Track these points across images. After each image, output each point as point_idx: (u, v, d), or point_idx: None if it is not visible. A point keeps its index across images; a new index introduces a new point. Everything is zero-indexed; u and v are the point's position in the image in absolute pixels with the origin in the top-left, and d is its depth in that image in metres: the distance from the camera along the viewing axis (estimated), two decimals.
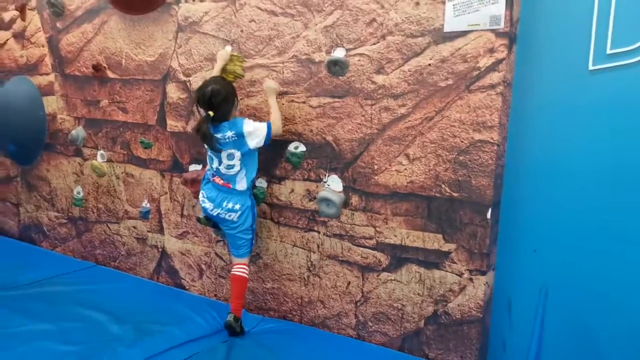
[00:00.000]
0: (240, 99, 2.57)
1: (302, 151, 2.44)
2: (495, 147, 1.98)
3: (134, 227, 3.13)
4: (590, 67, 1.87)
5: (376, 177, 2.26)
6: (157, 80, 2.88)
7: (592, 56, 1.87)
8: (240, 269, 2.43)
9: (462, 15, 1.95)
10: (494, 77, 1.94)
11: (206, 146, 2.33)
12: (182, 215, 2.91)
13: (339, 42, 2.28)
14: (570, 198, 1.98)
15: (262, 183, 2.58)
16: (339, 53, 2.28)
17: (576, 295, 1.98)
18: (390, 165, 2.23)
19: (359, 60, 2.24)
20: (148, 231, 3.07)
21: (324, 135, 2.38)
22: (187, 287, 2.94)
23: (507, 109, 2.04)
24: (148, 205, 3.05)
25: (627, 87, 1.81)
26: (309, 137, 2.42)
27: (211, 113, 2.21)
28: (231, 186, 2.35)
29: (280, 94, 2.47)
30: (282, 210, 2.54)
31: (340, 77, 2.29)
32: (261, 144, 2.29)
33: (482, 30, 1.93)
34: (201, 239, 2.85)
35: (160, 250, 3.04)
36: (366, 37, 2.21)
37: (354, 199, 2.33)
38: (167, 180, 2.94)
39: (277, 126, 2.32)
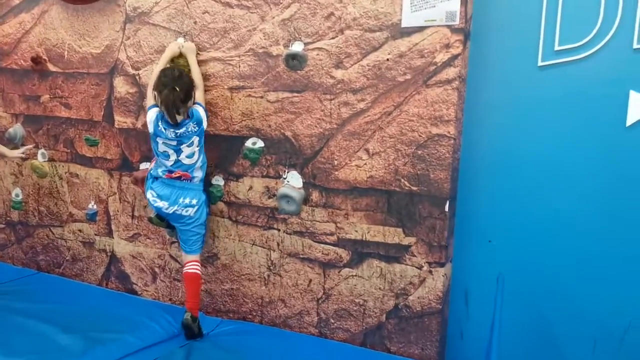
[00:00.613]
0: None
1: (260, 147, 2.42)
2: (452, 141, 2.04)
3: (80, 231, 2.98)
4: (540, 63, 1.98)
5: (336, 173, 2.28)
6: (104, 74, 2.76)
7: (541, 52, 1.97)
8: (194, 265, 2.41)
9: (419, 11, 2.00)
10: (450, 72, 2.00)
11: (160, 138, 2.26)
12: (132, 217, 2.81)
13: (297, 35, 2.28)
14: (522, 190, 2.08)
15: (219, 181, 2.53)
16: (297, 47, 2.28)
17: (531, 284, 2.09)
18: (350, 161, 2.25)
19: (317, 54, 2.25)
20: (95, 234, 2.94)
21: (282, 131, 2.37)
22: (140, 292, 2.83)
23: (462, 104, 2.11)
24: (95, 206, 2.91)
25: (575, 82, 1.92)
26: (267, 132, 2.40)
27: (178, 88, 2.18)
28: (190, 175, 2.32)
29: (237, 89, 2.43)
30: (241, 208, 2.51)
31: (299, 72, 2.29)
32: (206, 121, 2.32)
33: (438, 25, 1.99)
34: (154, 241, 2.76)
35: (109, 254, 2.91)
36: (324, 31, 2.22)
37: (314, 195, 2.34)
38: (116, 180, 2.83)
39: (201, 85, 2.37)
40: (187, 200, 2.32)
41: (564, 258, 2.02)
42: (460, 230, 2.21)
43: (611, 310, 1.96)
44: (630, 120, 1.83)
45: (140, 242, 2.80)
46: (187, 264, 2.42)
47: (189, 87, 2.25)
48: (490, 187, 2.15)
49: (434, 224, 2.12)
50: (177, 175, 2.32)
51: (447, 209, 2.08)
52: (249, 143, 2.44)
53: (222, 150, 2.51)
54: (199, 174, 2.36)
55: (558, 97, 1.95)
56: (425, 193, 2.11)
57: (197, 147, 2.31)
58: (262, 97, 2.39)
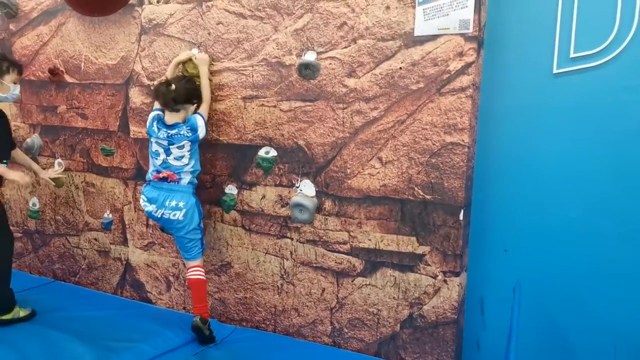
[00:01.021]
0: None
1: (273, 156, 2.45)
2: (466, 149, 2.04)
3: (95, 240, 3.03)
4: (555, 71, 1.98)
5: (349, 181, 2.29)
6: (119, 85, 2.82)
7: (556, 60, 1.97)
8: (195, 271, 2.44)
9: (432, 20, 2.02)
10: (464, 80, 2.01)
11: (153, 137, 2.36)
12: (147, 226, 2.85)
13: (309, 45, 2.31)
14: (537, 198, 2.07)
15: (232, 190, 2.56)
16: (309, 56, 2.31)
17: (548, 292, 2.07)
18: (363, 169, 2.26)
19: (330, 63, 2.27)
20: (111, 243, 2.98)
21: (295, 140, 2.39)
22: (154, 301, 2.86)
23: (476, 112, 2.11)
24: (110, 215, 2.96)
25: (590, 90, 1.92)
26: (280, 141, 2.42)
27: (174, 86, 2.30)
28: (176, 177, 2.35)
29: (250, 98, 2.47)
30: (254, 217, 2.53)
31: (312, 81, 2.32)
32: (204, 132, 2.36)
33: (451, 34, 2.00)
34: (168, 249, 2.79)
35: (124, 262, 2.95)
36: (337, 40, 2.24)
37: (327, 204, 2.35)
38: (131, 189, 2.87)
39: (208, 97, 2.43)
40: (173, 203, 2.34)
41: (580, 266, 2.00)
42: (475, 239, 2.20)
43: (630, 317, 1.93)
44: None
45: (154, 250, 2.84)
46: (188, 270, 2.46)
47: (190, 91, 2.36)
48: (505, 195, 2.14)
49: (449, 232, 2.11)
50: (164, 175, 2.36)
51: (461, 217, 2.08)
52: (262, 152, 2.47)
53: (236, 159, 2.54)
54: (187, 177, 2.38)
55: (574, 104, 1.94)
56: (439, 201, 2.11)
57: (188, 151, 2.35)
58: (275, 107, 2.42)
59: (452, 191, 2.09)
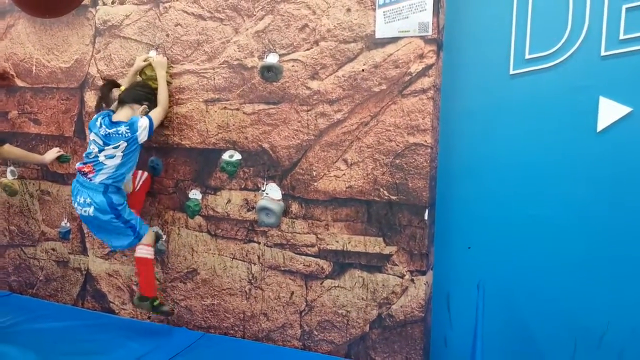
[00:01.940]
0: (169, 107, 2.54)
1: (238, 160, 2.46)
2: (429, 150, 2.11)
3: (53, 250, 2.96)
4: (511, 72, 2.07)
5: (315, 184, 2.33)
6: (74, 88, 2.76)
7: (512, 61, 2.06)
8: (139, 250, 2.45)
9: (392, 22, 2.07)
10: (425, 82, 2.08)
11: (92, 132, 2.35)
12: None
13: (271, 47, 2.33)
14: (499, 195, 2.16)
15: (196, 195, 2.56)
16: (272, 58, 2.32)
17: (511, 288, 2.17)
18: (328, 171, 2.30)
19: (292, 65, 2.30)
20: (69, 253, 2.92)
21: (260, 143, 2.41)
22: (117, 311, 2.83)
23: (438, 113, 2.18)
24: (68, 224, 2.90)
25: (546, 90, 2.02)
26: (245, 144, 2.43)
27: (123, 87, 2.36)
28: (93, 172, 2.32)
29: (212, 101, 2.46)
30: (219, 222, 2.53)
31: (275, 83, 2.34)
32: (147, 137, 2.35)
33: (411, 36, 2.06)
34: (130, 258, 2.76)
35: (84, 273, 2.90)
36: (299, 42, 2.27)
37: (294, 207, 2.38)
38: None
39: (164, 102, 2.43)
40: (81, 199, 2.32)
41: (542, 261, 2.10)
42: (440, 238, 2.29)
43: (590, 311, 2.05)
44: (600, 125, 1.93)
45: (116, 259, 2.80)
46: (137, 249, 2.46)
47: (139, 93, 2.39)
48: (468, 193, 2.23)
49: (414, 232, 2.18)
50: (84, 170, 2.33)
51: (426, 217, 2.15)
52: (225, 156, 2.48)
53: (199, 164, 2.53)
54: (101, 177, 2.31)
55: (530, 104, 2.04)
56: (405, 202, 2.18)
57: (122, 152, 2.31)
58: (238, 110, 2.43)
59: (417, 191, 2.15)
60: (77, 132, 2.79)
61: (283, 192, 2.39)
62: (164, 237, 2.66)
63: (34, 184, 2.96)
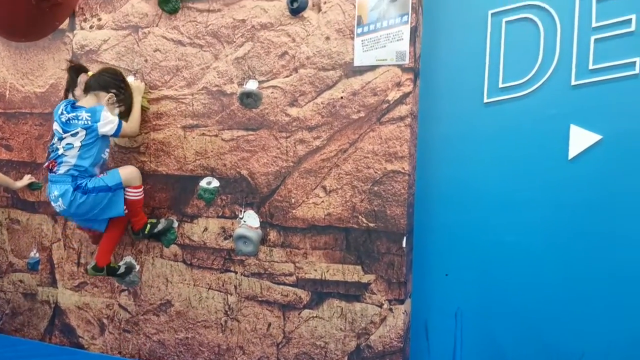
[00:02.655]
0: (146, 133, 2.55)
1: (215, 187, 2.46)
2: (407, 177, 2.16)
3: (21, 282, 2.89)
4: (485, 100, 2.15)
5: (294, 211, 2.34)
6: (48, 114, 2.76)
7: (486, 89, 2.15)
8: (128, 193, 2.38)
9: (370, 51, 2.14)
10: (402, 109, 2.14)
11: (56, 122, 2.28)
12: (78, 264, 2.75)
13: (251, 74, 2.38)
14: (474, 222, 2.21)
15: (170, 220, 2.54)
16: (251, 85, 2.37)
17: (489, 314, 2.19)
18: (307, 198, 2.32)
19: (272, 92, 2.35)
20: (38, 285, 2.85)
21: (238, 169, 2.42)
22: (87, 347, 2.74)
23: (415, 140, 2.24)
24: (37, 255, 2.84)
25: (519, 118, 2.10)
26: (223, 171, 2.45)
27: (90, 73, 2.31)
28: (55, 165, 2.26)
29: (191, 127, 2.49)
30: (195, 251, 2.51)
31: (254, 110, 2.38)
32: (110, 133, 2.28)
33: (389, 65, 2.13)
34: (102, 289, 2.71)
35: (52, 306, 2.82)
36: (279, 69, 2.33)
37: (272, 235, 2.38)
38: (60, 225, 2.78)
39: (134, 126, 2.41)
40: (55, 193, 2.26)
41: (519, 288, 2.13)
42: (418, 265, 2.30)
43: (567, 337, 2.07)
44: (572, 153, 2.00)
45: (86, 291, 2.74)
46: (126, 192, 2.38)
47: (106, 79, 2.32)
48: (445, 220, 2.27)
49: (393, 260, 2.20)
50: (49, 165, 2.29)
51: (404, 244, 2.17)
52: (203, 183, 2.48)
53: (176, 191, 2.53)
54: (65, 168, 2.24)
55: (504, 131, 2.12)
56: (383, 229, 2.20)
57: (81, 142, 2.23)
58: (216, 136, 2.45)
59: (395, 218, 2.18)
60: None
61: (261, 220, 2.40)
62: (137, 267, 2.62)
63: (3, 212, 2.91)
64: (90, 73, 2.37)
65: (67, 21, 2.67)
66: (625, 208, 1.94)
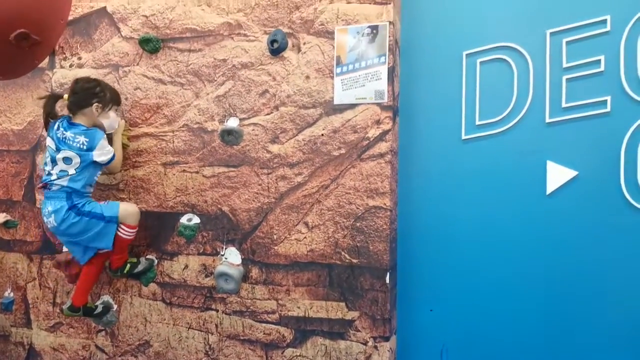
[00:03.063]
0: (126, 170, 2.50)
1: (196, 223, 2.41)
2: (389, 213, 2.15)
3: None
4: (463, 137, 2.17)
5: (276, 247, 2.30)
6: (25, 151, 2.69)
7: (464, 126, 2.17)
8: (120, 231, 2.31)
9: (349, 89, 2.16)
10: (382, 146, 2.14)
11: (50, 137, 2.24)
12: (54, 304, 2.65)
13: (232, 111, 2.36)
14: (456, 258, 2.20)
15: (151, 259, 2.47)
16: (232, 122, 2.36)
17: (474, 351, 2.15)
18: (289, 234, 2.29)
19: (253, 129, 2.33)
20: (12, 326, 2.73)
21: (219, 206, 2.38)
22: None
23: (396, 175, 2.24)
24: (12, 294, 2.73)
25: (497, 154, 2.12)
26: (204, 208, 2.40)
27: (66, 96, 2.24)
28: (54, 188, 2.20)
29: (171, 164, 2.45)
30: (175, 289, 2.44)
31: (235, 147, 2.36)
32: (104, 161, 2.24)
33: (368, 103, 2.15)
34: (78, 330, 2.60)
35: (27, 347, 2.70)
36: (260, 107, 2.32)
37: (254, 272, 2.33)
38: (36, 264, 2.68)
39: (118, 162, 2.37)
40: (49, 208, 2.19)
41: (501, 325, 2.11)
42: (402, 301, 2.27)
43: None
44: (550, 188, 2.02)
45: (62, 331, 2.63)
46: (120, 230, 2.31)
47: (87, 90, 2.24)
48: (428, 256, 2.25)
49: (376, 296, 2.17)
50: (42, 186, 2.24)
51: (388, 280, 2.15)
52: (184, 219, 2.43)
53: (156, 228, 2.47)
54: (57, 188, 2.19)
55: (483, 167, 2.13)
56: (366, 265, 2.17)
57: (75, 170, 2.18)
58: (197, 172, 2.42)
59: (378, 254, 2.16)
60: (27, 196, 2.69)
61: (243, 257, 2.35)
62: (115, 307, 2.53)
63: None
64: (65, 96, 2.29)
65: (46, 60, 2.64)
66: (603, 242, 1.96)
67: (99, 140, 2.21)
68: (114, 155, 2.28)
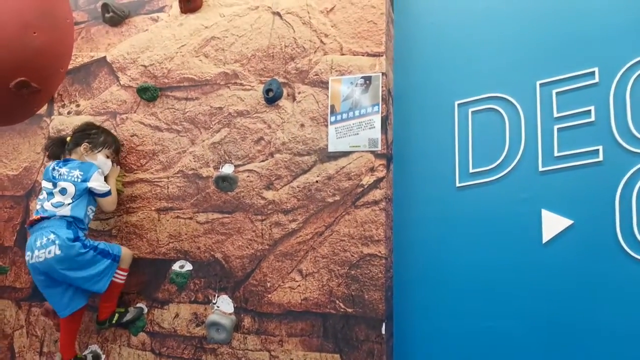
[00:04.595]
0: (119, 215, 2.39)
1: (188, 270, 2.28)
2: (384, 261, 2.03)
3: None
4: (457, 184, 2.08)
5: (269, 296, 2.16)
6: (19, 196, 2.58)
7: (457, 174, 2.08)
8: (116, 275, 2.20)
9: (343, 137, 2.09)
10: (377, 193, 2.05)
11: (46, 176, 2.17)
12: (40, 354, 2.46)
13: (227, 158, 2.28)
14: (454, 306, 2.06)
15: (140, 308, 2.31)
16: (227, 169, 2.27)
17: None
18: (283, 282, 2.15)
19: (248, 176, 2.24)
20: None
21: (212, 253, 2.26)
22: None
23: (391, 223, 2.14)
24: None
25: (491, 201, 2.02)
26: (196, 254, 2.27)
27: (69, 139, 2.22)
28: (49, 216, 2.05)
29: (165, 210, 2.34)
30: (165, 339, 2.27)
31: (229, 193, 2.26)
32: (100, 192, 2.16)
33: (362, 151, 2.07)
34: None
35: None
36: (254, 154, 2.24)
37: (247, 321, 2.18)
38: (24, 312, 2.51)
39: (113, 201, 2.27)
40: (44, 240, 1.99)
41: None
42: (399, 353, 2.12)
43: None
44: (546, 237, 1.92)
45: None
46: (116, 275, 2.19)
47: (76, 137, 2.23)
48: (425, 305, 2.11)
49: (372, 347, 2.01)
50: (33, 220, 2.08)
51: (383, 331, 2.00)
52: (176, 266, 2.30)
53: (147, 275, 2.33)
54: (64, 212, 2.07)
55: (478, 215, 2.03)
56: (361, 314, 2.03)
57: (72, 199, 2.08)
58: (191, 218, 2.30)
59: (373, 303, 2.02)
60: (18, 241, 2.55)
61: (235, 305, 2.20)
62: (103, 357, 2.35)
63: None
64: (68, 139, 2.27)
65: (45, 106, 2.57)
66: (600, 291, 1.84)
67: (93, 172, 2.15)
68: (109, 191, 2.20)
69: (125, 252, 2.24)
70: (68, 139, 2.25)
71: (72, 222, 2.08)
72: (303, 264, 2.14)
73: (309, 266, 2.13)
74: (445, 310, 2.06)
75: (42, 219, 2.06)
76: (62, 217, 2.06)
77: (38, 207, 2.12)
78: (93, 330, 2.38)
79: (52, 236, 1.99)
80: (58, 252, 1.99)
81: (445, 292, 2.07)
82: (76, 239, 2.04)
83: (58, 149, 2.26)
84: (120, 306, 2.31)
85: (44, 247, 1.99)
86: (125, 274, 2.24)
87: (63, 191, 2.10)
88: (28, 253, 2.05)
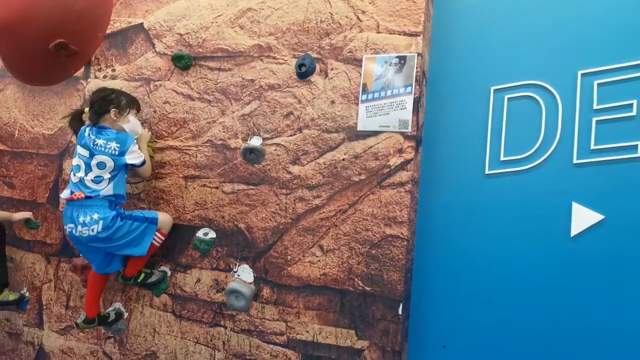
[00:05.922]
0: (148, 180, 2.36)
1: (212, 238, 2.25)
2: (405, 243, 1.96)
3: (7, 320, 2.60)
4: (487, 172, 1.98)
5: (289, 268, 2.12)
6: (54, 155, 2.57)
7: (488, 161, 1.99)
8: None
9: (374, 117, 2.00)
10: (403, 175, 1.97)
11: (80, 145, 2.12)
12: (67, 307, 2.49)
13: (255, 130, 2.22)
14: (473, 293, 1.99)
15: (164, 272, 2.30)
16: (255, 141, 2.21)
17: None
18: (303, 256, 2.11)
19: (275, 149, 2.18)
20: (24, 325, 2.57)
21: (236, 223, 2.22)
22: None
23: (416, 205, 2.06)
24: (27, 294, 2.57)
25: (520, 192, 1.93)
26: (220, 223, 2.24)
27: (87, 110, 2.16)
28: (93, 196, 2.04)
29: (192, 178, 2.30)
30: (186, 302, 2.27)
31: (256, 165, 2.20)
32: (135, 163, 2.14)
33: (392, 131, 1.98)
34: (87, 335, 2.43)
35: (37, 348, 2.53)
36: (283, 128, 2.17)
37: (265, 291, 2.15)
38: (53, 266, 2.53)
39: (149, 168, 2.26)
40: (87, 219, 2.02)
41: None
42: (414, 334, 2.06)
43: None
44: (574, 231, 1.82)
45: (72, 335, 2.46)
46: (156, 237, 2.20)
47: (99, 105, 2.13)
48: (444, 289, 2.05)
49: (388, 327, 1.96)
50: (75, 197, 2.05)
51: (400, 311, 1.94)
52: (200, 233, 2.27)
53: (172, 239, 2.31)
54: (106, 191, 2.07)
55: (506, 204, 1.94)
56: (379, 294, 1.98)
57: (110, 174, 2.07)
58: (217, 188, 2.27)
59: (392, 284, 1.97)
60: (51, 199, 2.56)
61: (255, 275, 2.17)
62: (126, 314, 2.35)
63: None
64: (86, 110, 2.20)
65: (82, 69, 2.54)
66: (628, 291, 1.74)
67: (130, 144, 2.11)
68: (144, 160, 2.17)
69: (165, 218, 2.22)
70: (86, 109, 2.19)
71: (114, 200, 2.09)
72: (324, 240, 2.08)
73: (330, 242, 2.07)
74: (464, 296, 1.99)
75: (79, 198, 2.05)
76: (105, 197, 2.06)
77: (75, 179, 2.08)
78: (118, 288, 2.39)
79: (95, 215, 2.03)
80: (101, 229, 2.03)
81: (464, 279, 2.00)
82: (116, 216, 2.06)
83: (79, 123, 2.21)
84: (147, 267, 2.31)
85: (87, 225, 2.02)
86: (164, 238, 2.22)
87: (101, 165, 2.06)
88: (70, 225, 2.06)
